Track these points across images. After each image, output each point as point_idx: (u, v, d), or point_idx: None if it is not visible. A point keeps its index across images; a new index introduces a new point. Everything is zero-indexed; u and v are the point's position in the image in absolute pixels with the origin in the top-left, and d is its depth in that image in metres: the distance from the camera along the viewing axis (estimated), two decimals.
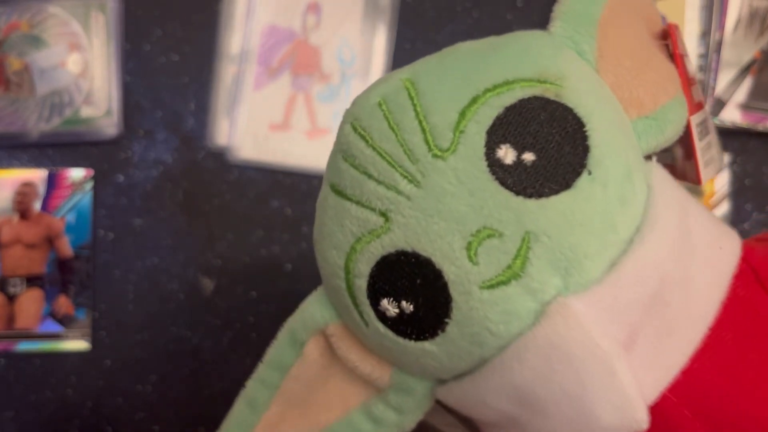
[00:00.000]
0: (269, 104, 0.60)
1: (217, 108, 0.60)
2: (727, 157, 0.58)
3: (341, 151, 0.29)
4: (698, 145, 0.31)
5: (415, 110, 0.27)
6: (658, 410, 0.26)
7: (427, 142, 0.26)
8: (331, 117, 0.60)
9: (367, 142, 0.27)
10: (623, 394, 0.25)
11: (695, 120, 0.31)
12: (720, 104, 0.56)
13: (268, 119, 0.60)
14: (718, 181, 0.58)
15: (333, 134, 0.61)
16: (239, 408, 0.33)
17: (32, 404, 0.61)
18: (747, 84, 0.56)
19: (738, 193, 0.58)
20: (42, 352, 0.60)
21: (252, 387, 0.33)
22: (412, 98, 0.27)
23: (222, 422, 0.35)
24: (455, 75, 0.27)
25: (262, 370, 0.33)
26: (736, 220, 0.58)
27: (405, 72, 0.28)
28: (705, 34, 0.57)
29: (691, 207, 0.28)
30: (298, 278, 0.60)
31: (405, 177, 0.26)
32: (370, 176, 0.27)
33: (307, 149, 0.60)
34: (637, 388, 0.25)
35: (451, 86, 0.27)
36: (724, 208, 0.58)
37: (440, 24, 0.60)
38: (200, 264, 0.61)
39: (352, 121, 0.28)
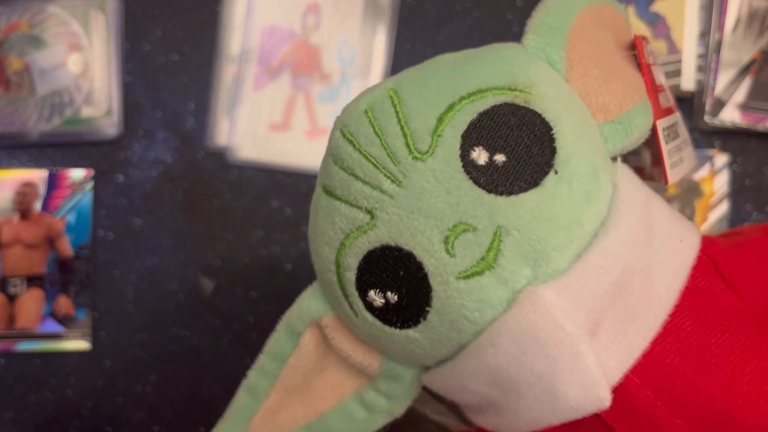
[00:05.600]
0: (269, 104, 0.60)
1: (217, 108, 0.61)
2: (726, 157, 0.58)
3: (332, 155, 0.32)
4: (665, 147, 0.34)
5: (398, 117, 0.29)
6: (621, 391, 0.29)
7: (408, 145, 0.29)
8: (331, 117, 0.60)
9: (354, 146, 0.30)
10: (587, 375, 0.27)
11: (662, 124, 0.34)
12: (720, 104, 0.56)
13: (268, 119, 0.60)
14: (718, 181, 0.58)
15: None
16: (241, 396, 0.36)
17: (32, 404, 0.61)
18: (746, 84, 0.57)
19: (738, 193, 0.59)
20: (42, 352, 0.61)
21: (252, 376, 0.35)
22: (395, 106, 0.30)
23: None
24: (434, 84, 0.30)
25: (262, 360, 0.35)
26: (736, 220, 0.59)
27: (390, 82, 0.31)
28: (704, 34, 0.57)
29: (653, 204, 0.31)
30: (298, 278, 0.61)
31: (388, 177, 0.29)
32: (357, 177, 0.30)
33: (307, 149, 0.60)
34: (601, 369, 0.27)
35: (430, 94, 0.30)
36: (724, 208, 0.58)
37: (440, 24, 0.60)
38: (200, 264, 0.61)
39: (341, 128, 0.31)
